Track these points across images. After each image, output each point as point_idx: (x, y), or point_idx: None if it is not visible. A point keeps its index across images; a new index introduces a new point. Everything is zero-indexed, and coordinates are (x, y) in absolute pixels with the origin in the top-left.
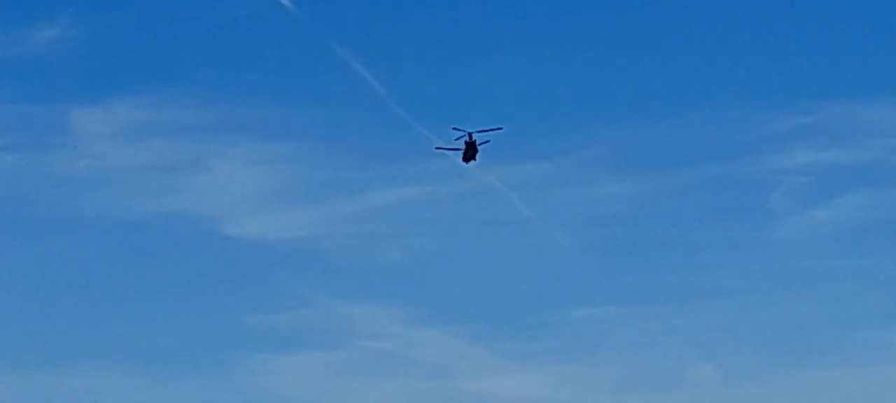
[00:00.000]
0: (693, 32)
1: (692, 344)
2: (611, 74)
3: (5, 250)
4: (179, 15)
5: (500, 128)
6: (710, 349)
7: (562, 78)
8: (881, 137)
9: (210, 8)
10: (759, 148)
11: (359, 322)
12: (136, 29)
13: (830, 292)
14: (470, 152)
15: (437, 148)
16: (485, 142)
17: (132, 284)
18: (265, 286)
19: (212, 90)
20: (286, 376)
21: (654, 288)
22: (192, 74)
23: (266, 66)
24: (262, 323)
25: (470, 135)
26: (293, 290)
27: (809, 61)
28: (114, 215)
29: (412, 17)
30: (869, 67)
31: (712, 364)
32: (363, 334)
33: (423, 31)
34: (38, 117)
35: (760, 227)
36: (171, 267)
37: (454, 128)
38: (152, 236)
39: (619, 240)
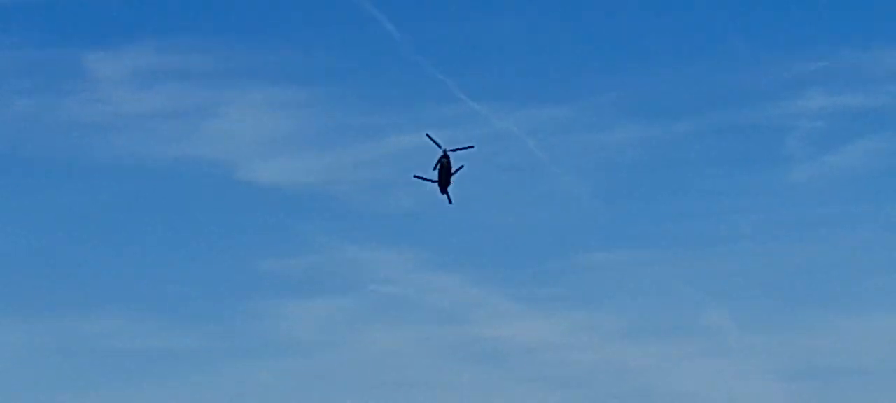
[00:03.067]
0: None
1: (707, 290)
2: (626, 20)
3: (19, 195)
4: None
5: (471, 147)
6: (725, 295)
7: (578, 23)
8: None
9: None
10: (773, 93)
11: (372, 267)
12: None
13: (845, 237)
14: (445, 175)
15: (415, 176)
16: (459, 168)
17: (145, 229)
18: (278, 231)
19: (225, 35)
20: (299, 321)
21: (668, 233)
22: (204, 19)
23: (279, 11)
24: (275, 268)
25: (445, 151)
26: (306, 235)
27: (824, 5)
28: (127, 160)
29: None
30: (884, 11)
31: (727, 309)
32: (376, 279)
33: None
34: (52, 62)
35: (774, 173)
36: (183, 212)
37: (427, 135)
38: (165, 181)
39: (633, 186)
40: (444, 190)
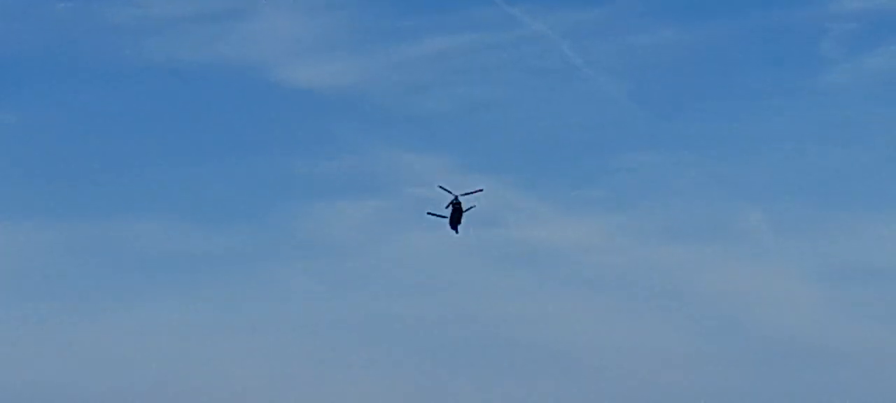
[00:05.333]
0: None
1: (742, 192)
2: None
3: (55, 99)
4: None
5: (480, 190)
6: (761, 196)
7: None
8: None
9: None
10: None
11: (407, 169)
12: None
13: (881, 138)
14: (456, 216)
15: (428, 213)
16: (470, 208)
17: (180, 133)
18: (313, 133)
19: None
20: (335, 222)
21: (703, 135)
22: None
23: None
24: (310, 170)
25: (456, 197)
26: (342, 138)
27: None
28: (161, 63)
29: None
30: None
31: (762, 211)
32: (412, 181)
33: None
34: None
35: (810, 74)
36: (218, 114)
37: (440, 187)
38: (199, 84)
39: (668, 88)
40: (454, 226)
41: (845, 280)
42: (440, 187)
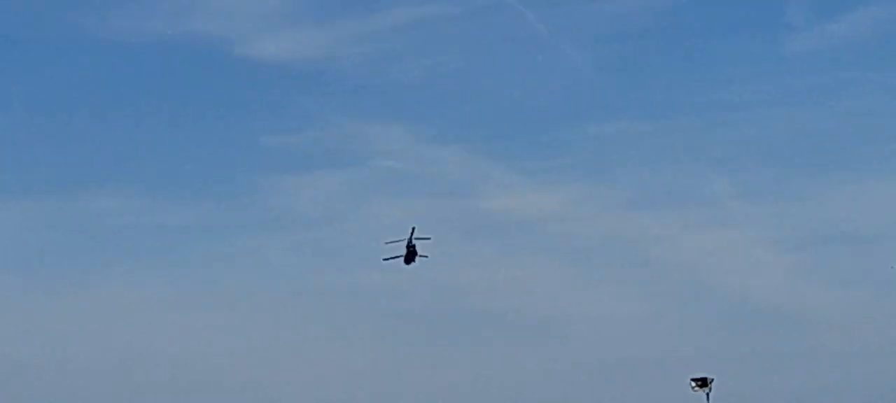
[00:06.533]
0: None
1: (708, 160)
2: None
3: (18, 74)
4: None
5: (429, 238)
6: (727, 164)
7: None
8: None
9: None
10: None
11: (374, 140)
12: None
13: (846, 105)
14: (410, 257)
15: (386, 242)
16: (424, 256)
17: (145, 107)
18: (280, 106)
19: None
20: (302, 195)
21: (669, 103)
22: None
23: None
24: (277, 143)
25: (410, 239)
26: (308, 110)
27: None
28: (126, 38)
29: None
30: None
31: (728, 179)
32: (379, 153)
33: None
34: None
35: (776, 41)
36: (183, 89)
37: (386, 243)
38: (164, 58)
39: (634, 56)
40: (407, 262)
41: (810, 246)
42: (386, 243)
